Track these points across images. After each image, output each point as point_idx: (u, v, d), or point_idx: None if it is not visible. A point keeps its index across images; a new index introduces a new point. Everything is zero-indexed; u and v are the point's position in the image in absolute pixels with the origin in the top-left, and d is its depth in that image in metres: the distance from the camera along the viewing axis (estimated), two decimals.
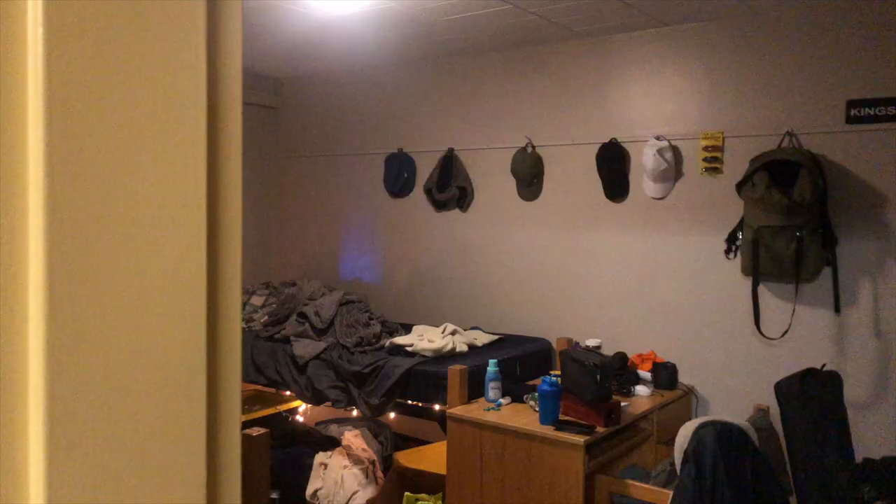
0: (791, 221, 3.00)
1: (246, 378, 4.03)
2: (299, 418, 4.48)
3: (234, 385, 0.59)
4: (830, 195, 3.10)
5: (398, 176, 4.60)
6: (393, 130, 4.67)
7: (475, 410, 3.05)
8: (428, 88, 4.48)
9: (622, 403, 2.93)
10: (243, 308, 4.57)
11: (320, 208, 5.09)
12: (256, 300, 4.66)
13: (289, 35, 3.95)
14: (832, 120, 3.12)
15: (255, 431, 2.90)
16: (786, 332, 3.16)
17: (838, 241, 3.08)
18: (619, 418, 2.83)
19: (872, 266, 3.05)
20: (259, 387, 4.13)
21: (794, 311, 3.15)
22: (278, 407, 4.33)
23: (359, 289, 4.74)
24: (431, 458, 3.62)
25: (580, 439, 2.66)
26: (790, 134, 3.20)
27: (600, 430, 2.74)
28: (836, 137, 3.11)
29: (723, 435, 2.39)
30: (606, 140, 3.73)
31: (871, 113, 3.01)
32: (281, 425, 4.22)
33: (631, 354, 3.47)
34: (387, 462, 3.68)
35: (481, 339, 3.77)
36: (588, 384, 2.78)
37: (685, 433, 2.47)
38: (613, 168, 3.72)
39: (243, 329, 4.21)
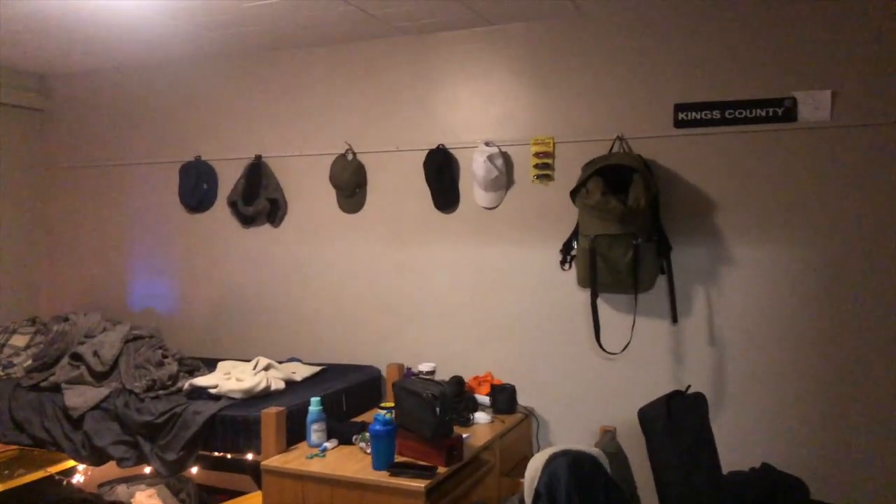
0: (627, 229, 2.87)
1: (2, 438, 3.22)
2: (79, 478, 3.70)
3: None
4: (662, 201, 3.01)
5: (195, 188, 3.99)
6: (189, 136, 4.05)
7: (296, 459, 2.57)
8: (229, 87, 3.94)
9: (463, 435, 2.60)
10: (0, 350, 3.71)
11: (101, 227, 4.31)
12: (18, 340, 3.83)
13: (53, 22, 3.25)
14: (661, 125, 3.04)
15: None
16: (627, 345, 3.03)
17: (672, 248, 3.00)
18: (461, 454, 2.49)
19: (705, 273, 3.00)
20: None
21: (633, 323, 3.02)
22: (49, 469, 3.54)
23: (152, 321, 4.05)
24: None
25: (420, 484, 2.28)
26: (621, 139, 3.09)
27: (441, 470, 2.39)
28: (665, 142, 3.04)
29: (575, 466, 2.14)
30: (434, 146, 3.44)
31: (698, 117, 2.97)
32: (52, 492, 3.43)
33: (467, 378, 3.18)
34: None
35: (301, 371, 3.29)
36: (426, 419, 2.42)
37: (535, 466, 2.18)
38: (442, 176, 3.43)
39: (1, 378, 3.39)
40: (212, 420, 2.82)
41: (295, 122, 3.78)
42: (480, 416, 2.92)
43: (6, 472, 3.50)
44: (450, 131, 3.44)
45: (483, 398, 3.05)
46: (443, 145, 3.42)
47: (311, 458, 2.59)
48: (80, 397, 3.12)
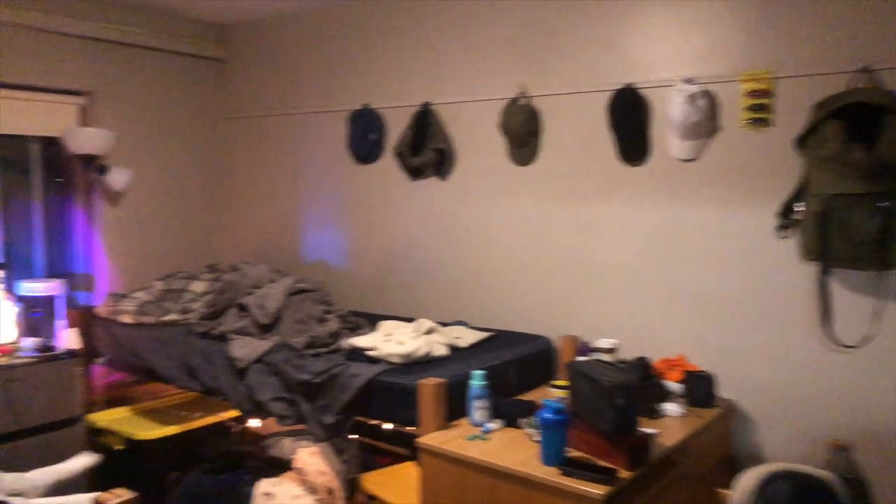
0: (874, 188, 2.25)
1: (179, 383, 3.27)
2: (254, 424, 3.72)
3: None
4: None
5: (365, 137, 3.81)
6: (358, 83, 3.86)
7: (455, 440, 2.31)
8: (398, 30, 3.67)
9: (650, 432, 2.19)
10: (180, 296, 3.79)
11: (275, 177, 4.30)
12: (197, 286, 3.88)
13: None
14: None
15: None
16: (868, 337, 2.42)
17: None
18: (647, 455, 2.09)
19: None
20: None
21: (878, 308, 2.40)
22: (222, 414, 3.59)
23: (323, 273, 3.98)
24: (410, 481, 2.87)
25: (599, 490, 1.92)
26: (867, 70, 2.42)
27: (624, 474, 2.00)
28: None
29: (802, 494, 1.67)
30: (620, 86, 2.95)
31: None
32: (219, 440, 3.47)
33: (655, 360, 2.73)
34: (351, 487, 2.94)
35: (466, 337, 3.02)
36: (605, 411, 2.04)
37: (747, 486, 1.75)
38: (630, 122, 2.95)
39: (177, 322, 3.45)
40: (368, 385, 2.63)
41: (463, 64, 3.44)
42: (671, 408, 2.48)
43: (184, 413, 3.60)
44: (640, 68, 2.93)
45: (674, 385, 2.60)
46: (631, 85, 2.93)
47: (472, 439, 2.31)
48: (244, 349, 3.07)
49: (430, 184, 3.61)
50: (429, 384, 2.41)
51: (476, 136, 3.42)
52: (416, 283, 3.68)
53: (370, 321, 3.27)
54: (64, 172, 3.95)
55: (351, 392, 2.64)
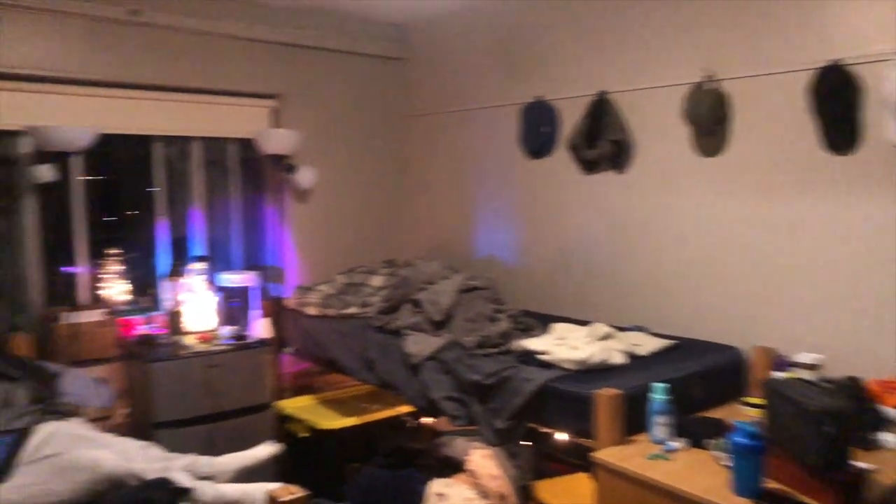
0: None
1: (357, 375, 3.40)
2: (428, 419, 3.79)
3: None
4: None
5: (537, 131, 3.71)
6: (531, 75, 3.77)
7: (634, 457, 2.17)
8: (573, 15, 3.52)
9: (864, 467, 1.91)
10: (360, 289, 3.93)
11: (450, 173, 4.33)
12: (375, 280, 3.99)
13: None
14: None
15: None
16: None
17: None
18: (861, 496, 1.82)
19: None
20: None
21: None
22: (398, 409, 3.68)
23: (494, 269, 3.95)
24: (584, 493, 2.77)
25: None
26: None
27: None
28: None
29: None
30: (825, 64, 2.61)
31: None
32: (393, 434, 3.55)
33: (868, 380, 2.40)
34: (524, 494, 2.89)
35: (646, 345, 2.84)
36: (811, 441, 1.80)
37: None
38: (836, 104, 2.60)
39: (356, 315, 3.57)
40: (540, 391, 2.55)
41: (642, 49, 3.23)
42: (889, 439, 2.16)
43: (364, 405, 3.73)
44: (848, 41, 2.56)
45: (892, 412, 2.26)
46: (838, 62, 2.57)
47: (654, 458, 2.16)
48: (418, 345, 3.11)
49: (606, 178, 3.44)
50: (605, 395, 2.28)
51: (656, 126, 3.20)
52: (590, 283, 3.54)
53: (541, 322, 3.18)
54: (257, 172, 4.25)
55: (523, 397, 2.58)
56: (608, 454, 2.20)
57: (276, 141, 3.97)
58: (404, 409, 3.61)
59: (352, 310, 3.62)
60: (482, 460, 2.91)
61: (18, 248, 3.44)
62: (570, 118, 3.54)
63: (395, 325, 3.30)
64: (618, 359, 2.67)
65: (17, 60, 3.24)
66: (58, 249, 3.53)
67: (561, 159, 3.62)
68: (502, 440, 2.69)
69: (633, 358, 2.73)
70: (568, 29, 3.56)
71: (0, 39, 3.19)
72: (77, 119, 3.39)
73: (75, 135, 3.27)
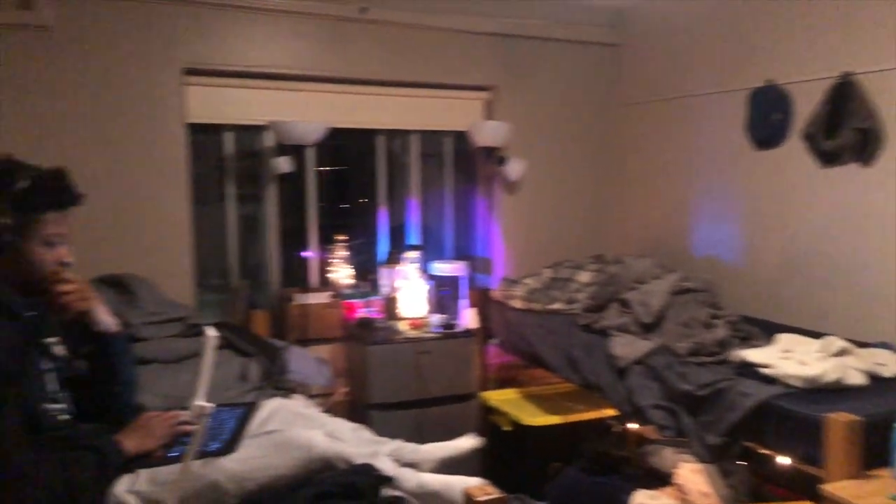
0: None
1: (561, 373, 3.36)
2: (634, 426, 3.64)
3: None
4: None
5: (766, 118, 3.38)
6: (759, 57, 3.43)
7: (873, 496, 1.91)
8: None
9: None
10: (566, 285, 3.87)
11: (665, 165, 4.10)
12: (583, 276, 3.91)
13: None
14: None
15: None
16: None
17: None
18: None
19: None
20: None
21: None
22: (602, 411, 3.57)
23: (712, 271, 3.68)
24: None
25: None
26: None
27: None
28: None
29: None
30: None
31: None
32: (596, 437, 3.46)
33: None
34: None
35: (891, 365, 2.48)
36: None
37: None
38: None
39: (562, 312, 3.52)
40: (761, 408, 2.32)
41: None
42: None
43: (568, 404, 3.68)
44: None
45: None
46: None
47: None
48: (625, 347, 2.99)
49: (848, 171, 3.04)
50: (839, 420, 2.03)
51: None
52: (823, 290, 3.16)
53: (765, 331, 2.90)
54: (470, 163, 4.34)
55: (739, 413, 2.37)
56: (841, 489, 1.96)
57: (488, 133, 4.03)
58: (608, 412, 3.50)
59: (557, 305, 3.58)
60: (691, 475, 2.74)
61: (261, 233, 3.84)
62: (806, 104, 3.17)
63: (601, 325, 3.20)
64: (856, 379, 2.36)
65: (262, 60, 3.58)
66: (293, 234, 3.89)
67: (793, 150, 3.27)
68: (714, 457, 2.50)
69: (876, 379, 2.39)
70: (803, 4, 3.18)
71: (248, 41, 3.55)
72: (311, 114, 3.66)
73: (310, 129, 3.52)
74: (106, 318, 1.77)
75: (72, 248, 1.71)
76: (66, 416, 1.68)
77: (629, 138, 4.37)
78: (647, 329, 3.05)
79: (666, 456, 2.95)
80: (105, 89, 3.25)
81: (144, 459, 1.67)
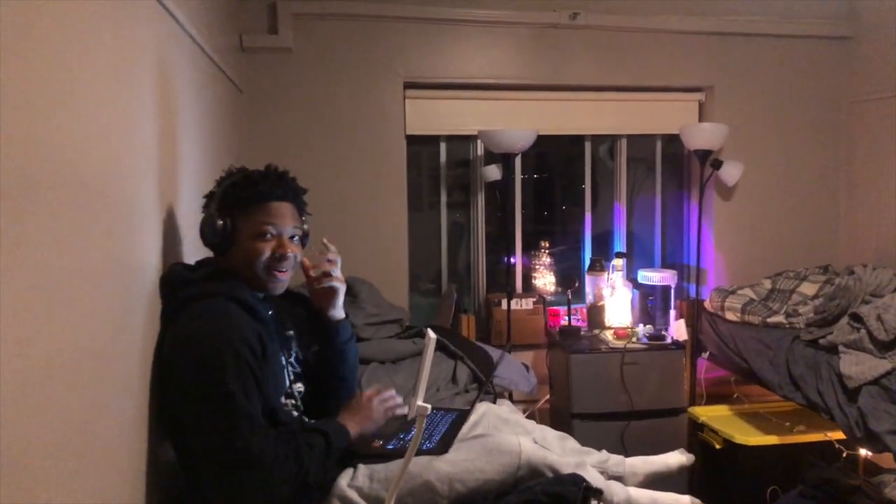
0: None
1: (780, 391, 3.14)
2: (866, 453, 3.30)
3: None
4: None
5: None
6: None
7: None
8: None
9: None
10: (787, 297, 3.60)
11: None
12: (808, 288, 3.62)
13: None
14: None
15: None
16: None
17: None
18: None
19: None
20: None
21: None
22: (829, 434, 3.27)
23: None
24: None
25: None
26: None
27: None
28: None
29: None
30: None
31: None
32: (822, 461, 3.16)
33: None
34: None
35: None
36: None
37: None
38: None
39: (782, 325, 3.29)
40: None
41: None
42: None
43: (787, 423, 3.42)
44: None
45: None
46: None
47: None
48: (857, 366, 2.73)
49: None
50: None
51: None
52: None
53: None
54: (680, 168, 4.18)
55: None
56: None
57: (703, 135, 3.84)
58: (834, 435, 3.19)
59: (777, 318, 3.34)
60: None
61: (471, 239, 4.01)
62: None
63: (828, 341, 2.94)
64: None
65: (474, 71, 3.73)
66: (499, 240, 4.01)
67: None
68: None
69: None
70: None
71: (461, 53, 3.71)
72: (519, 122, 3.75)
73: (519, 137, 3.58)
74: (341, 305, 1.91)
75: (313, 247, 1.86)
76: (296, 413, 1.78)
77: (861, 137, 3.94)
78: (885, 347, 2.75)
79: None
80: (336, 105, 3.57)
81: (363, 448, 1.74)
